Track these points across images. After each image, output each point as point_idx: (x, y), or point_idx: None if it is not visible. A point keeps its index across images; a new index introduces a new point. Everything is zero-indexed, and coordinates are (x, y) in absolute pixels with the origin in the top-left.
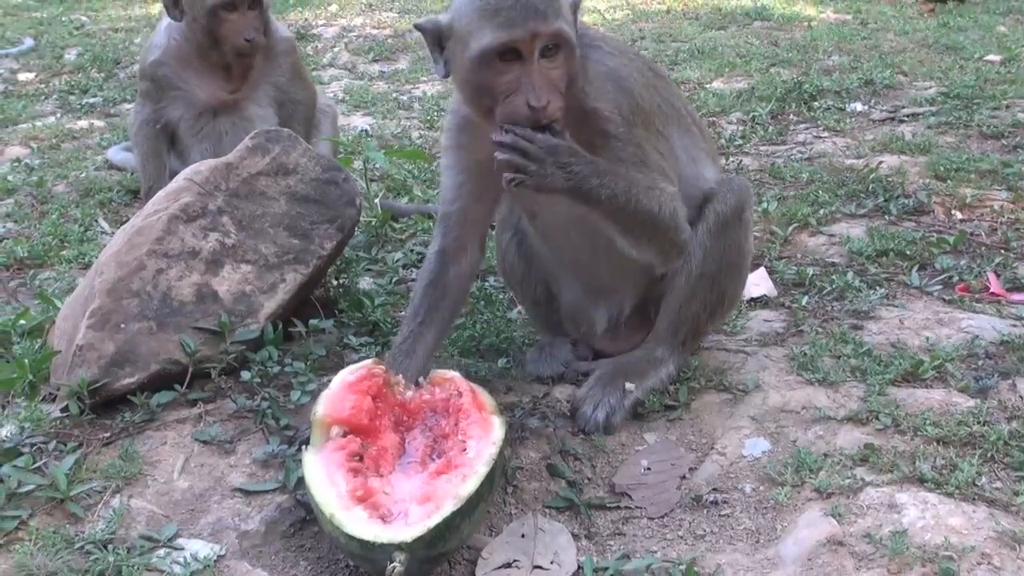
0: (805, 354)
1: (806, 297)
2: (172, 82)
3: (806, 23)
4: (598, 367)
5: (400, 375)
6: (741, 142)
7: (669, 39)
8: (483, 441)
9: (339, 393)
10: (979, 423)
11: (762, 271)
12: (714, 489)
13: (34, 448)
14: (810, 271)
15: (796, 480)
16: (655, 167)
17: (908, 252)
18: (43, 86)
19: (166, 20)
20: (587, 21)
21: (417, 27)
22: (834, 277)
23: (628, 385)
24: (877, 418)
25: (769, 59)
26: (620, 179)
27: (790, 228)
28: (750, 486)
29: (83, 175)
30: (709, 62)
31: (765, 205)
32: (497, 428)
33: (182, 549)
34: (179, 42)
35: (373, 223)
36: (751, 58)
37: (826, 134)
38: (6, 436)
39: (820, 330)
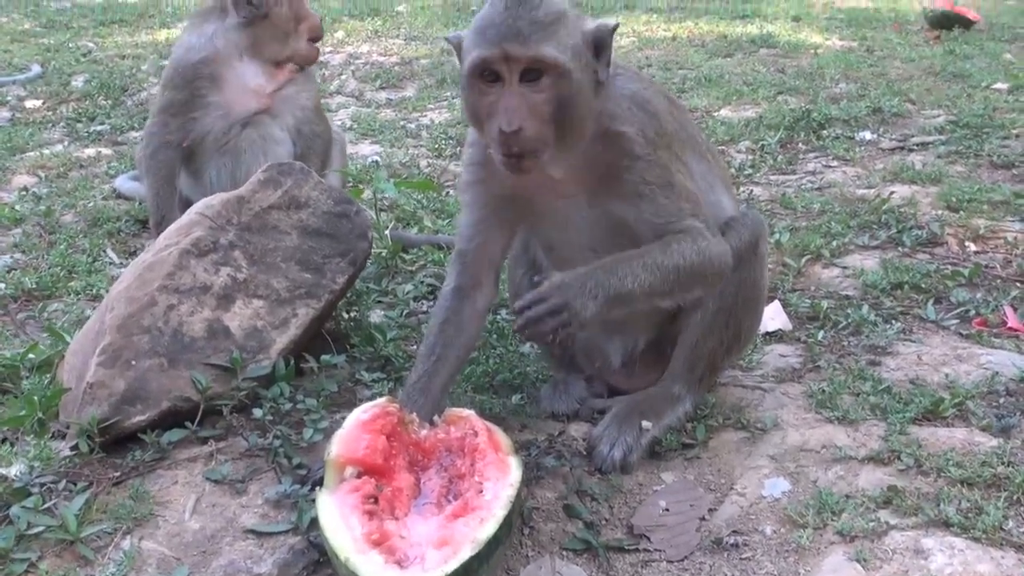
0: (823, 391)
1: (822, 331)
2: (213, 85)
3: (812, 50)
4: (614, 404)
5: (415, 413)
6: (751, 171)
7: (676, 67)
8: (500, 483)
9: (353, 432)
10: (1003, 464)
11: (776, 304)
12: (734, 531)
13: (44, 488)
14: (825, 304)
15: (818, 522)
16: (680, 189)
17: (923, 285)
18: (50, 113)
19: (209, 26)
20: None
21: (446, 39)
22: (849, 311)
23: (645, 423)
24: (899, 458)
25: (776, 87)
26: (635, 260)
27: (803, 260)
28: (771, 528)
29: (91, 204)
30: (716, 90)
31: (777, 236)
32: (514, 469)
33: None
34: (229, 44)
35: (383, 254)
36: (758, 86)
37: (836, 163)
38: (15, 475)
39: (837, 366)
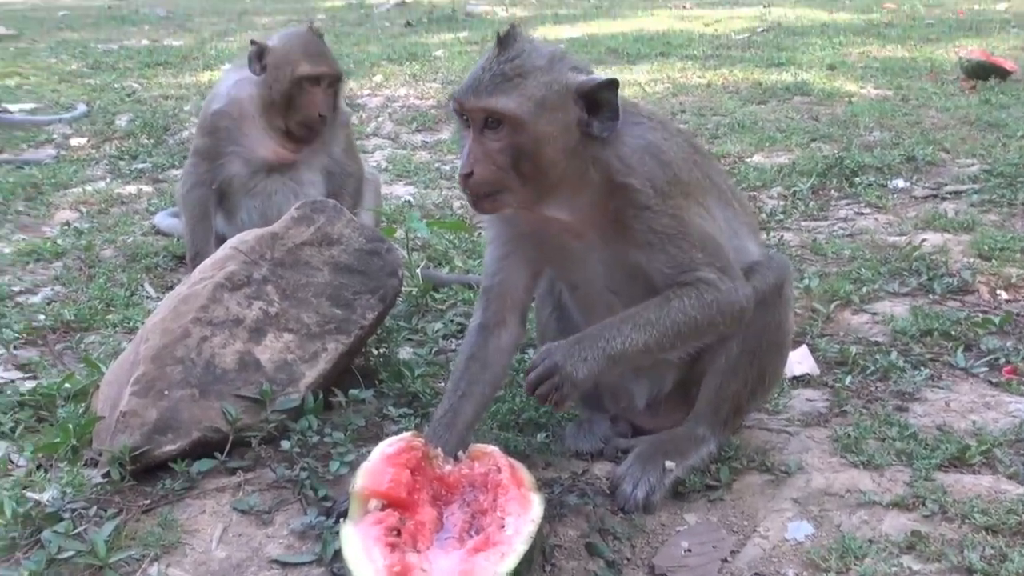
0: (849, 436)
1: (849, 377)
2: (232, 135)
3: (847, 99)
4: (638, 444)
5: (439, 448)
6: (782, 217)
7: (710, 113)
8: (522, 518)
9: (378, 466)
10: None
11: (804, 349)
12: (756, 573)
13: (75, 513)
14: (853, 350)
15: (841, 567)
16: (695, 237)
17: (953, 332)
18: (94, 151)
19: (235, 74)
20: (627, 94)
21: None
22: (878, 356)
23: (668, 464)
24: (924, 504)
25: (810, 134)
26: (629, 320)
27: (832, 305)
28: (793, 571)
29: (130, 240)
30: (749, 136)
31: (807, 281)
32: (536, 505)
33: None
34: (249, 95)
35: (414, 293)
36: (792, 133)
37: (868, 210)
38: (48, 500)
39: (864, 411)
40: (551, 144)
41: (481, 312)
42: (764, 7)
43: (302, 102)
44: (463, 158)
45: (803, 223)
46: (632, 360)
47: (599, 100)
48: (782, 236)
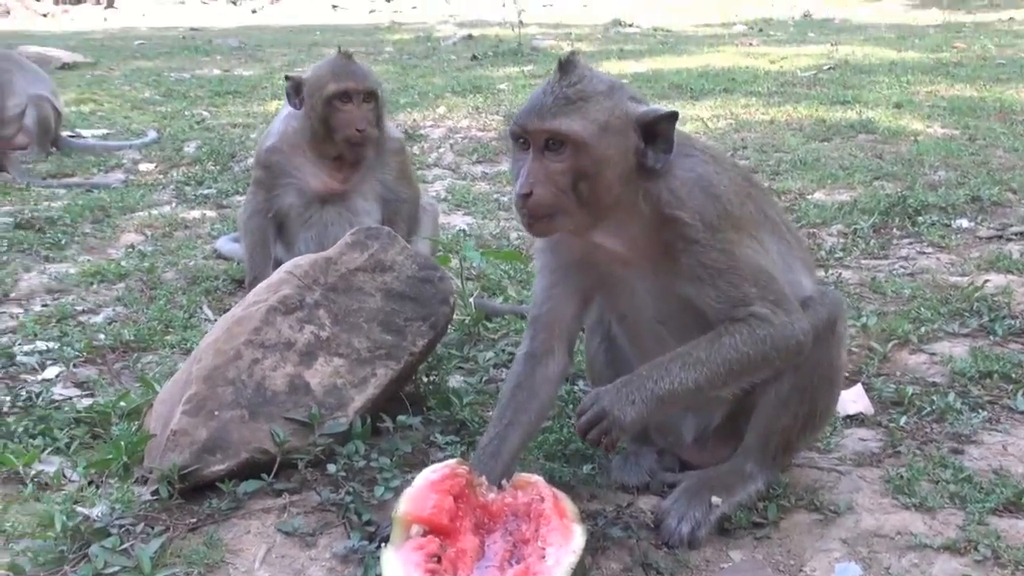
0: (902, 477)
1: (904, 417)
2: (284, 169)
3: (912, 137)
4: (684, 479)
5: (484, 476)
6: (841, 255)
7: (772, 149)
8: (563, 549)
9: (422, 492)
10: None
11: (859, 388)
12: None
13: (122, 529)
14: (910, 390)
15: None
16: (747, 271)
17: (1013, 375)
18: (162, 176)
19: (286, 109)
20: (689, 129)
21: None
22: (934, 397)
23: (714, 499)
24: (976, 548)
25: (873, 172)
26: (677, 360)
27: (890, 345)
28: None
29: (192, 263)
30: (811, 173)
31: (864, 320)
32: (578, 536)
33: None
34: (296, 129)
35: (466, 322)
36: (854, 170)
37: (930, 250)
38: (97, 516)
39: (918, 452)
40: (610, 168)
41: (529, 341)
42: (831, 45)
43: (338, 121)
44: (521, 179)
45: (863, 261)
46: (682, 400)
47: (657, 131)
48: (840, 274)
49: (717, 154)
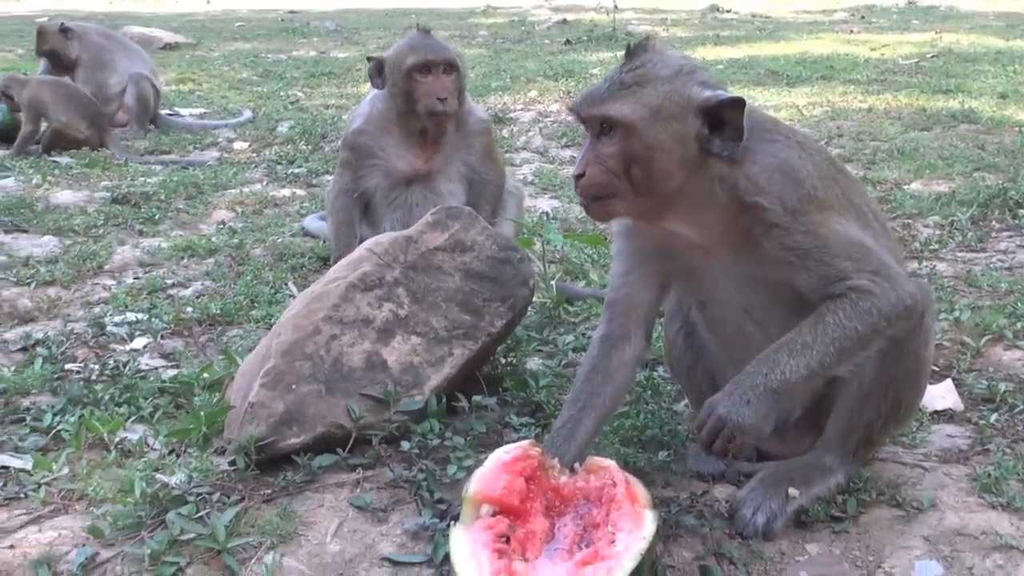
0: (989, 475)
1: (995, 414)
2: (370, 150)
3: (1017, 128)
4: (762, 469)
5: (556, 459)
6: (936, 246)
7: (868, 138)
8: (633, 535)
9: (493, 472)
10: None
11: (949, 383)
12: None
13: (199, 498)
14: (1002, 387)
15: None
16: (838, 247)
17: None
18: (254, 155)
19: (372, 92)
20: (783, 116)
21: None
22: None
23: (792, 491)
24: None
25: (974, 163)
26: (783, 349)
27: (983, 340)
28: None
29: (280, 240)
30: (909, 163)
31: (957, 313)
32: (649, 523)
33: None
34: (380, 111)
35: (548, 304)
36: (954, 161)
37: None
38: (175, 483)
39: (1008, 451)
40: (663, 153)
41: (605, 324)
42: (936, 33)
43: (418, 93)
44: (579, 160)
45: (959, 254)
46: (798, 388)
47: (723, 118)
48: (935, 266)
49: (804, 139)
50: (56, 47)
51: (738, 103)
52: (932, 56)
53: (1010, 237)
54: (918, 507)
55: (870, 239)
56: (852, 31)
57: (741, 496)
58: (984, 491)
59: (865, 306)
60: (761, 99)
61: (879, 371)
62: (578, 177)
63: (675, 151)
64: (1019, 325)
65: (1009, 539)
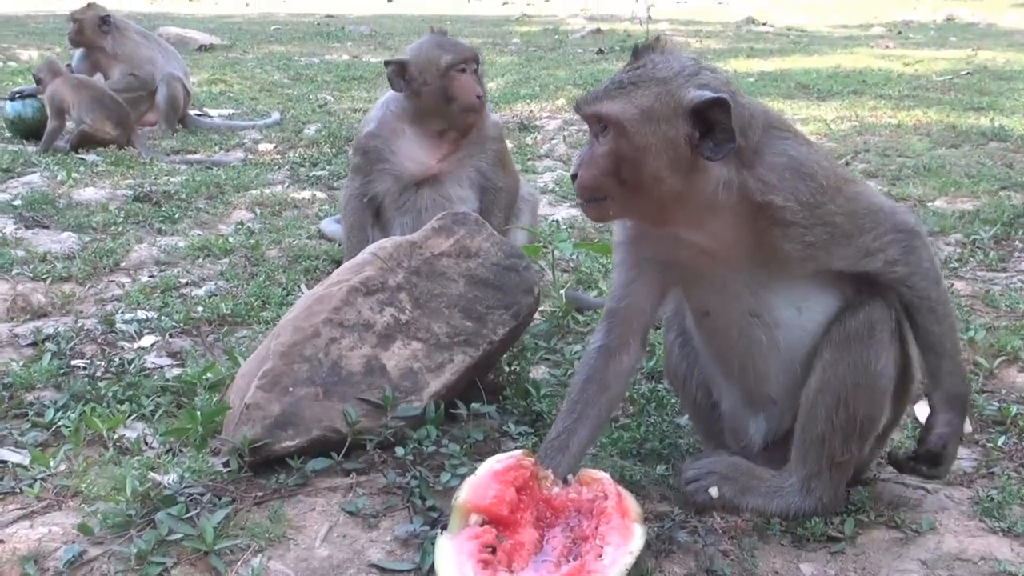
0: (992, 499)
1: (1004, 437)
2: (381, 154)
3: None
4: (727, 460)
5: (550, 470)
6: (956, 265)
7: (895, 153)
8: (620, 549)
9: (484, 481)
10: None
11: None
12: None
13: (190, 498)
14: (1013, 409)
15: None
16: (862, 222)
17: None
18: (279, 157)
19: (383, 97)
20: (809, 131)
21: None
22: None
23: (712, 491)
24: None
25: (1001, 181)
26: (945, 341)
27: (997, 361)
28: None
29: (296, 242)
30: (934, 180)
31: (972, 333)
32: (637, 537)
33: None
34: (394, 112)
35: (557, 313)
36: (981, 179)
37: None
38: (168, 483)
39: (1014, 475)
40: (652, 156)
41: (604, 334)
42: (972, 50)
43: (456, 90)
44: (575, 160)
45: (979, 273)
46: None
47: (707, 120)
48: (952, 284)
49: (808, 140)
50: (92, 40)
51: (720, 103)
52: (966, 73)
53: None
54: (917, 530)
55: (874, 196)
56: (887, 46)
57: (699, 464)
58: (985, 515)
59: (920, 258)
60: (790, 112)
61: (821, 384)
62: (573, 177)
63: (664, 154)
64: None
65: (1008, 565)
